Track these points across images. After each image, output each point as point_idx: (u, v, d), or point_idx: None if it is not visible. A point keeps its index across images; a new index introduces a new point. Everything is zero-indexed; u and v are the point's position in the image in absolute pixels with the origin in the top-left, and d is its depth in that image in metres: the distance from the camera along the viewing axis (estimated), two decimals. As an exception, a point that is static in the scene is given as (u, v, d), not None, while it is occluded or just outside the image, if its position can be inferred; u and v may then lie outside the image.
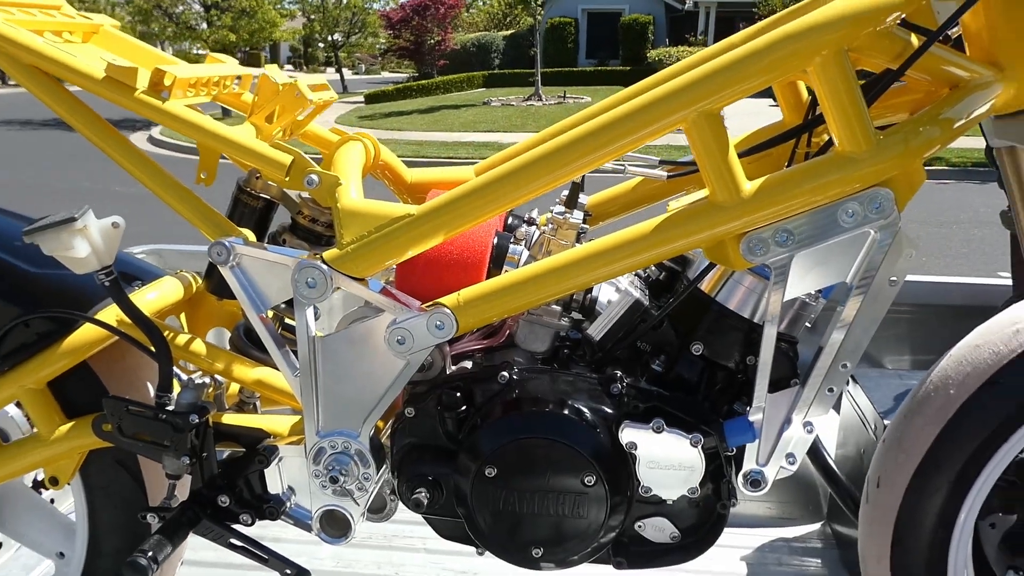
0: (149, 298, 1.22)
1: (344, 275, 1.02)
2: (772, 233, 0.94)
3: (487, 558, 1.79)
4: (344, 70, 30.55)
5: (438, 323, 1.00)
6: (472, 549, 1.12)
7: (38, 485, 1.36)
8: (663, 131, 0.93)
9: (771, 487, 2.04)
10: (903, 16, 0.91)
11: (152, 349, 1.09)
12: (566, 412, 1.01)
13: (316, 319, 1.07)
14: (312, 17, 25.90)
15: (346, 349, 1.04)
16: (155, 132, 14.97)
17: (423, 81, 22.39)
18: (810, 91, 1.13)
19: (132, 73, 1.04)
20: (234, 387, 1.32)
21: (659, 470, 1.00)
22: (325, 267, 1.01)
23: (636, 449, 1.00)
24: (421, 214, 0.99)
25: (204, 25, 17.32)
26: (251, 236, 1.15)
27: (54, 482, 1.19)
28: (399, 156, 1.16)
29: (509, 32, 27.69)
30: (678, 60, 1.07)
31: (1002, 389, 1.07)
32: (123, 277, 1.25)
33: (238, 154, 1.08)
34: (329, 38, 27.05)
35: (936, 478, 1.11)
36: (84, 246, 1.01)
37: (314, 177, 1.06)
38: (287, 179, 1.08)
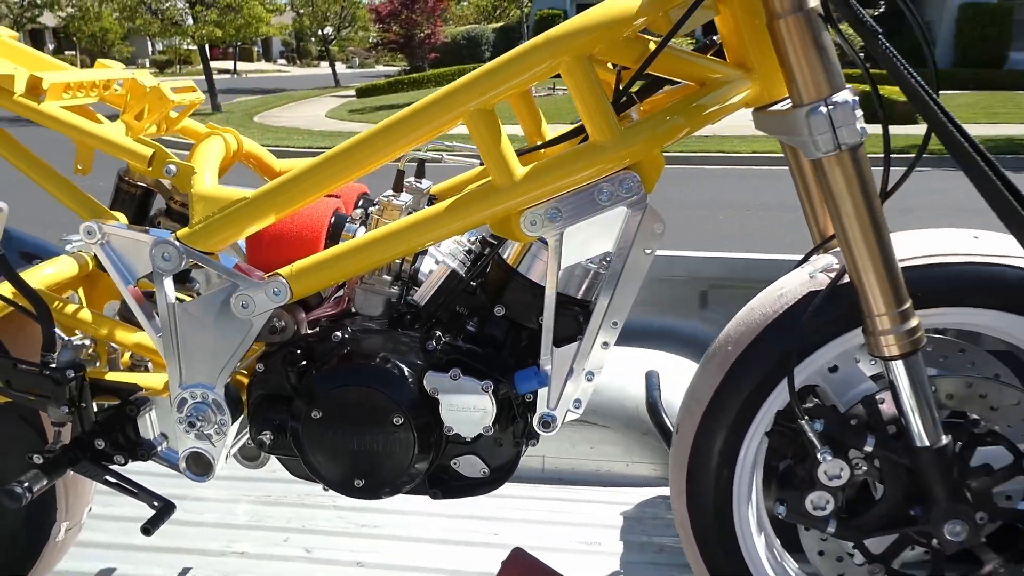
0: (46, 273, 1.40)
1: (194, 250, 1.20)
2: (545, 210, 1.12)
3: (388, 515, 1.98)
4: (338, 64, 30.65)
5: (275, 290, 1.18)
6: (376, 506, 1.29)
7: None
8: (447, 126, 1.11)
9: (655, 450, 2.22)
10: (642, 27, 1.08)
11: (35, 313, 1.26)
12: (379, 363, 1.19)
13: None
14: (301, 12, 26.01)
15: (201, 313, 1.22)
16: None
17: (415, 74, 22.53)
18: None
19: (10, 79, 1.22)
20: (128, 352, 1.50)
21: (456, 412, 1.18)
22: (178, 244, 1.19)
23: (438, 394, 1.18)
24: (254, 197, 1.17)
25: (190, 21, 17.45)
26: (122, 218, 1.32)
27: (-39, 435, 1.37)
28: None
29: (499, 24, 27.83)
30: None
31: (766, 345, 1.25)
32: (25, 256, 1.43)
33: (107, 148, 1.25)
34: (319, 32, 27.15)
35: (717, 423, 1.29)
36: (-29, 226, 1.19)
37: (172, 167, 1.24)
38: (150, 169, 1.25)
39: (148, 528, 1.28)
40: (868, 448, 1.21)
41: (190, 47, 19.75)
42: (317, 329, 1.29)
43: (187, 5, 17.87)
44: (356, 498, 1.25)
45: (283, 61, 48.46)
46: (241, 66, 39.03)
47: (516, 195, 1.11)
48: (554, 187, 1.10)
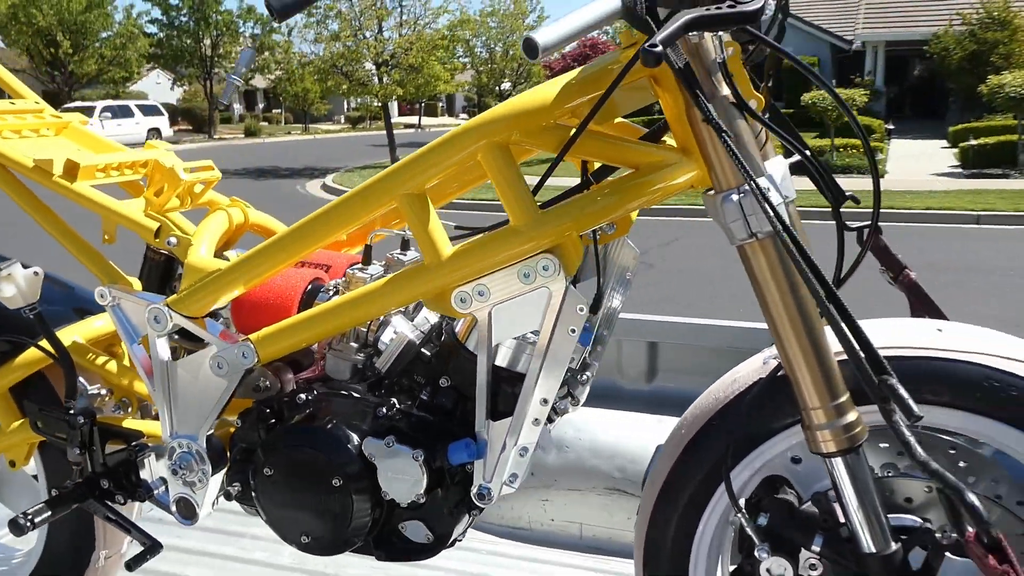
0: (93, 326, 1.59)
1: (179, 314, 1.33)
2: (472, 289, 1.16)
3: (424, 570, 2.03)
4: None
5: (244, 353, 1.29)
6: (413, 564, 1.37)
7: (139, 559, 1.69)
8: (380, 209, 1.19)
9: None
10: (561, 116, 1.11)
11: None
12: (325, 426, 1.27)
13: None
14: (480, 70, 27.20)
15: (186, 371, 1.35)
16: (328, 180, 16.35)
17: (582, 128, 22.86)
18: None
19: (50, 163, 1.42)
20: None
21: (390, 478, 1.23)
22: (165, 308, 1.33)
23: (374, 459, 1.23)
24: (226, 268, 1.30)
25: (376, 81, 18.73)
26: (136, 284, 1.49)
27: (12, 464, 1.57)
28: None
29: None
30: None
31: (716, 431, 1.22)
32: (79, 312, 1.64)
33: (122, 221, 1.43)
34: (497, 88, 28.24)
35: (671, 505, 1.27)
36: (11, 288, 1.39)
37: (172, 239, 1.40)
38: (156, 240, 1.41)
39: (131, 565, 1.42)
40: (816, 548, 1.15)
41: (378, 104, 21.17)
42: (292, 390, 1.39)
43: (374, 66, 19.19)
44: (306, 552, 1.32)
45: (464, 116, 50.85)
46: (426, 120, 41.25)
47: (443, 274, 1.16)
48: (478, 267, 1.14)
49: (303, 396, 1.33)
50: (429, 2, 19.97)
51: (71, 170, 1.43)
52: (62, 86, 33.16)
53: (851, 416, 1.08)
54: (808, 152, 1.13)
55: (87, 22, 31.50)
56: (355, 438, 1.25)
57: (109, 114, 27.98)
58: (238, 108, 42.25)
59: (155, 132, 29.42)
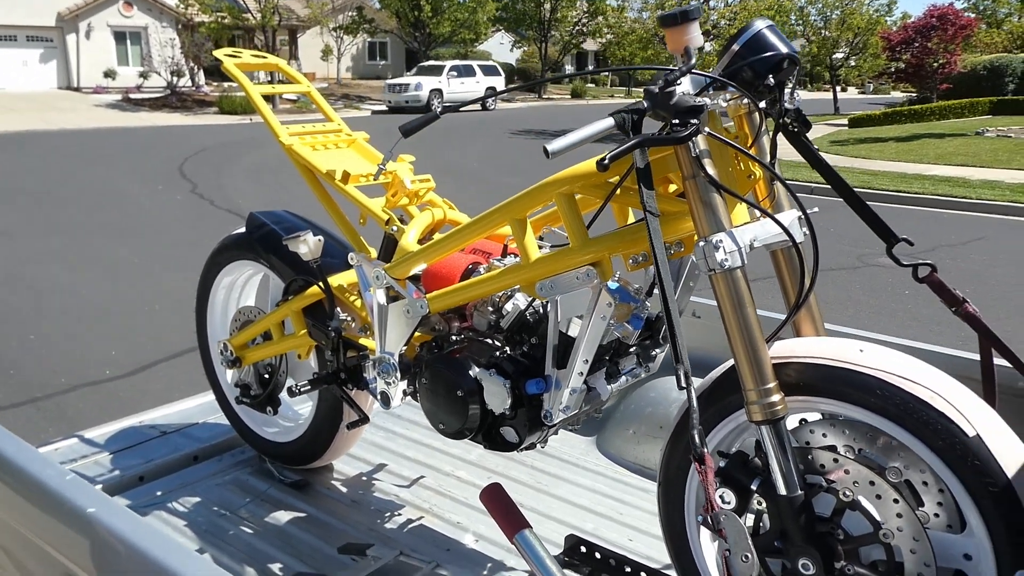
0: (351, 276, 2.45)
1: (390, 276, 2.12)
2: (547, 283, 1.80)
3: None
4: (851, 89, 29.89)
5: (421, 305, 2.05)
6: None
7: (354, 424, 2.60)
8: (501, 226, 1.86)
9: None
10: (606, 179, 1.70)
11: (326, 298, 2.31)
12: (459, 357, 1.98)
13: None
14: (811, 39, 26.13)
15: (392, 312, 2.14)
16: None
17: (915, 106, 21.28)
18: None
19: (333, 171, 2.27)
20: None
21: (489, 395, 1.91)
22: (383, 271, 2.12)
23: (482, 381, 1.92)
24: (417, 251, 2.05)
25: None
26: (373, 252, 2.30)
27: (299, 357, 2.49)
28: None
29: (1037, 53, 24.56)
30: None
31: (712, 394, 1.75)
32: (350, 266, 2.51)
33: (367, 212, 2.24)
34: (828, 59, 26.96)
35: (678, 443, 1.81)
36: (304, 247, 2.27)
37: (394, 228, 2.19)
38: (385, 227, 2.21)
39: (349, 426, 2.26)
40: (753, 487, 1.64)
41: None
42: (450, 332, 2.13)
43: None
44: (441, 435, 2.05)
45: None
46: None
47: (531, 270, 1.81)
48: (550, 269, 1.78)
49: (454, 337, 2.06)
50: (760, -30, 19.67)
51: (345, 177, 2.27)
52: (420, 45, 37.22)
53: (774, 397, 1.56)
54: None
55: (446, -12, 34.98)
56: (474, 367, 1.96)
57: (455, 73, 31.06)
58: (569, 69, 44.41)
59: (491, 90, 32.12)
